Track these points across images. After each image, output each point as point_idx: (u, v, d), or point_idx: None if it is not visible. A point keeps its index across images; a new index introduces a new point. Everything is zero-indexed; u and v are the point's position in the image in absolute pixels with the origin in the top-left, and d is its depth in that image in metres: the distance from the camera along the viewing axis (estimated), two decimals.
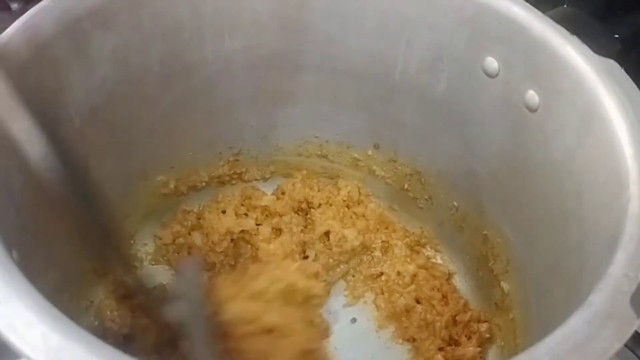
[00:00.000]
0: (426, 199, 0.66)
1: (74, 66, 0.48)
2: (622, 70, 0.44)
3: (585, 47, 0.46)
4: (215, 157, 0.67)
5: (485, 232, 0.61)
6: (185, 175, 0.66)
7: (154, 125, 0.59)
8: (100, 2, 0.48)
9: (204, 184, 0.68)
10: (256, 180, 0.70)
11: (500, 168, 0.56)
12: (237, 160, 0.69)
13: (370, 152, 0.67)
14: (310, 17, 0.57)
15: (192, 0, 0.53)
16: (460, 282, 0.65)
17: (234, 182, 0.70)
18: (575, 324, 0.33)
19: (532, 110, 0.50)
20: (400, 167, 0.66)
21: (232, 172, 0.69)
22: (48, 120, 0.46)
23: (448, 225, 0.66)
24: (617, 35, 0.72)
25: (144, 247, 0.65)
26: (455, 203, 0.64)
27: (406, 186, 0.67)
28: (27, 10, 0.44)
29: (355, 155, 0.68)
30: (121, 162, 0.59)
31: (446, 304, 0.61)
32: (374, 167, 0.68)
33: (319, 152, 0.69)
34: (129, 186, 0.61)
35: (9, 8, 0.71)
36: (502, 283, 0.59)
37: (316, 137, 0.68)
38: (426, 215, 0.68)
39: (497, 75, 0.52)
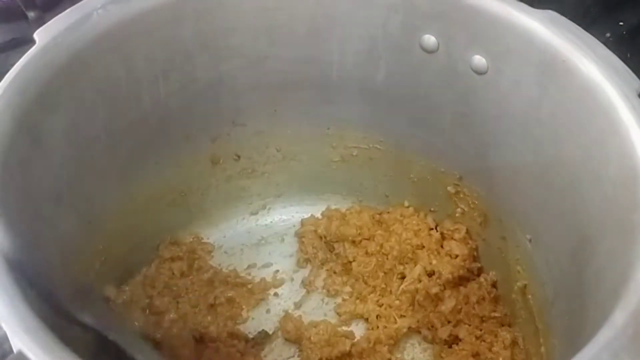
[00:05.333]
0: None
1: (35, 160, 0.44)
2: (563, 17, 0.48)
3: (522, 4, 0.50)
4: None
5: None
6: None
7: (107, 202, 0.56)
8: (45, 83, 0.44)
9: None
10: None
11: (459, 132, 0.59)
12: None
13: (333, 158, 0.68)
14: (237, 40, 0.56)
15: (123, 53, 0.50)
16: None
17: None
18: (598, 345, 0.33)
19: (482, 73, 0.53)
20: (356, 156, 0.67)
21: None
22: (17, 218, 0.43)
23: None
24: (621, 23, 0.76)
25: None
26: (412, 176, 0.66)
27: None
28: (44, 19, 0.40)
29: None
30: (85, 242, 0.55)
31: None
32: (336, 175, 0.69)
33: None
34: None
35: (27, 17, 0.69)
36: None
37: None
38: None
39: (437, 50, 0.55)
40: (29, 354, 0.29)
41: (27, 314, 0.31)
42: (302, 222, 0.69)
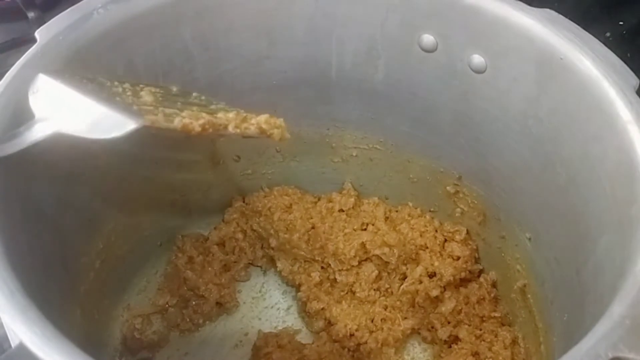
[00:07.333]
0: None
1: (36, 158, 0.44)
2: (561, 16, 0.49)
3: (520, 3, 0.50)
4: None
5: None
6: None
7: (107, 202, 0.56)
8: None
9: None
10: None
11: (458, 132, 0.59)
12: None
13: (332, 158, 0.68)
14: (237, 40, 0.56)
15: (123, 53, 0.51)
16: None
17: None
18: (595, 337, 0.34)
19: (480, 72, 0.53)
20: (356, 156, 0.68)
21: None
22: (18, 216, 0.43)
23: None
24: (621, 22, 0.77)
25: None
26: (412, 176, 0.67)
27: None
28: (44, 19, 0.41)
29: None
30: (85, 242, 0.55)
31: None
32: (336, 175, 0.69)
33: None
34: None
35: (27, 17, 0.70)
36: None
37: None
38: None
39: (436, 49, 0.55)
40: (29, 345, 0.29)
41: (27, 306, 0.31)
42: None
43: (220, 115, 0.45)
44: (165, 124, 0.41)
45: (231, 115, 0.45)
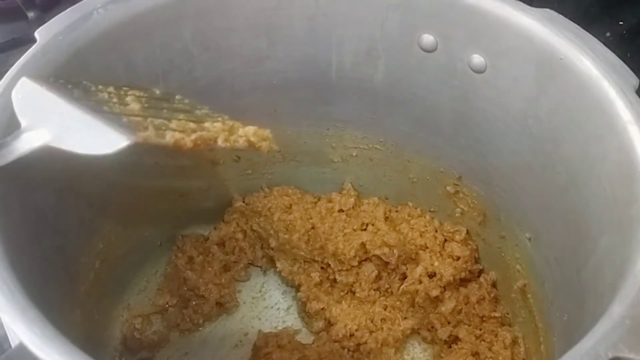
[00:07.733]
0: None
1: (36, 158, 0.44)
2: (561, 16, 0.49)
3: (520, 3, 0.50)
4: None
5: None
6: None
7: (107, 202, 0.56)
8: None
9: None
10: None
11: (458, 132, 0.59)
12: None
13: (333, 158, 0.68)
14: (237, 40, 0.57)
15: (123, 52, 0.51)
16: None
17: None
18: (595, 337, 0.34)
19: (480, 71, 0.54)
20: (356, 156, 0.68)
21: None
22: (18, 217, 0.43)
23: None
24: (621, 22, 0.77)
25: None
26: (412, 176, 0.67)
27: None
28: (44, 19, 0.40)
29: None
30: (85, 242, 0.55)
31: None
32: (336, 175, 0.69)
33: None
34: None
35: (27, 17, 0.70)
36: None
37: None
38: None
39: (435, 49, 0.55)
40: (29, 345, 0.29)
41: (27, 306, 0.31)
42: None
43: (207, 125, 0.45)
44: (157, 140, 0.41)
45: (218, 125, 0.45)
